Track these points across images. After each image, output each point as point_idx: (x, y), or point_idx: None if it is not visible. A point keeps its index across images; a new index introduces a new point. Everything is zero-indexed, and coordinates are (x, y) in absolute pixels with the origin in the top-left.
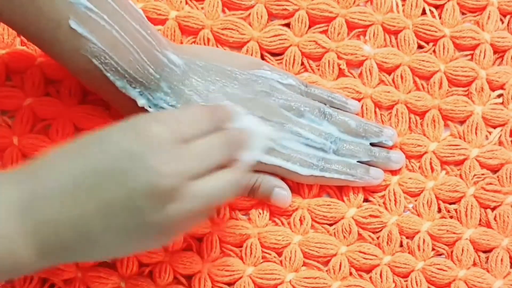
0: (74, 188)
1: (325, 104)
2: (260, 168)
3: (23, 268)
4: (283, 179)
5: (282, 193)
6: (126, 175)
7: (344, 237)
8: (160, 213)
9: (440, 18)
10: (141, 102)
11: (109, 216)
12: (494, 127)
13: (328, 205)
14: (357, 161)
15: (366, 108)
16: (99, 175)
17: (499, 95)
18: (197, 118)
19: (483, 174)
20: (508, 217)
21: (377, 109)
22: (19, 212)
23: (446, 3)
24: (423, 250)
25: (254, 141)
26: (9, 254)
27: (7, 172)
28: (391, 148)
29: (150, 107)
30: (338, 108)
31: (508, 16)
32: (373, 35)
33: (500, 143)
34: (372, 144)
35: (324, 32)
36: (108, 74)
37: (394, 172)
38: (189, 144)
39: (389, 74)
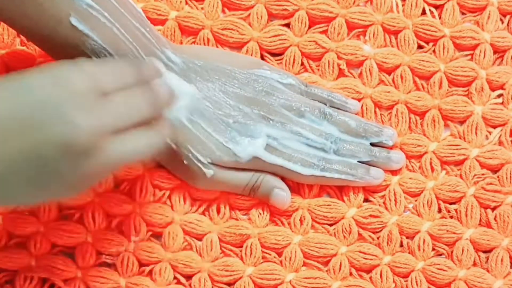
0: None
1: (325, 104)
2: (260, 167)
3: None
4: (283, 179)
5: (281, 194)
6: (40, 125)
7: (344, 237)
8: (72, 167)
9: (440, 18)
10: None
11: (16, 165)
12: (494, 127)
13: (328, 205)
14: (358, 161)
15: (366, 108)
16: (11, 122)
17: (499, 95)
18: (122, 71)
19: (483, 174)
20: (508, 217)
21: (377, 109)
22: None
23: (446, 3)
24: (423, 250)
25: (178, 98)
26: None
27: None
28: (391, 148)
29: None
30: (338, 108)
31: (508, 16)
32: (373, 35)
33: (500, 143)
34: (372, 144)
35: (324, 32)
36: None
37: (394, 172)
38: (111, 98)
39: (389, 74)
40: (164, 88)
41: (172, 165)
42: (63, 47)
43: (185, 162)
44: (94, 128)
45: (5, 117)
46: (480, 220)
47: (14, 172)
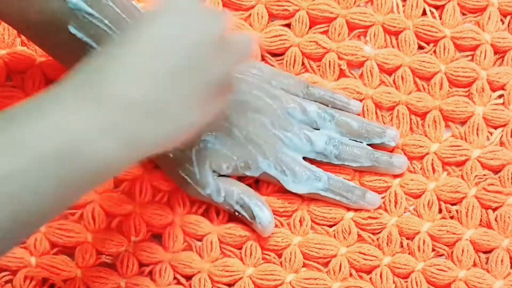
0: (140, 63)
1: (327, 105)
2: (263, 177)
3: (106, 161)
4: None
5: (258, 227)
6: (185, 37)
7: (344, 238)
8: (220, 64)
9: (440, 18)
10: None
11: (174, 82)
12: (495, 128)
13: (327, 206)
14: (359, 166)
15: (367, 109)
16: (159, 45)
17: (500, 96)
18: None
19: (484, 175)
20: (509, 217)
21: (378, 110)
22: (91, 103)
23: (446, 3)
24: (423, 250)
25: None
26: (90, 145)
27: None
28: (393, 150)
29: None
30: (340, 109)
31: (508, 17)
32: (374, 36)
33: (502, 143)
34: (374, 145)
35: (325, 32)
36: None
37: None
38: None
39: (390, 75)
40: None
41: (166, 168)
42: (63, 52)
43: (180, 171)
44: (221, 28)
45: (161, 34)
46: (481, 221)
47: (173, 91)
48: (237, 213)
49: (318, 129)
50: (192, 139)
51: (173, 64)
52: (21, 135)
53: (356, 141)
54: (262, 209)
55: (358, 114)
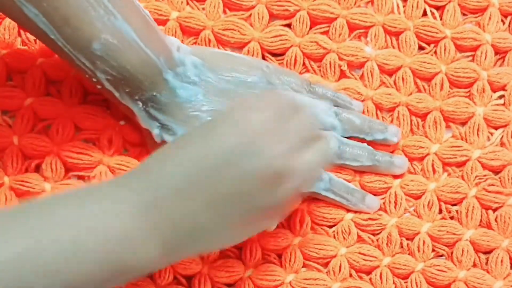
0: (186, 184)
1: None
2: None
3: (146, 267)
4: None
5: None
6: (239, 165)
7: (344, 238)
8: (272, 195)
9: (441, 19)
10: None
11: (221, 207)
12: (496, 128)
13: (327, 207)
14: (360, 165)
15: (368, 110)
16: (207, 170)
17: (501, 96)
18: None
19: (485, 176)
20: (509, 218)
21: (378, 112)
22: (140, 213)
23: (447, 4)
24: (423, 251)
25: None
26: (133, 254)
27: (120, 177)
28: (393, 150)
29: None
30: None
31: (509, 17)
32: (374, 36)
33: (502, 144)
34: (376, 143)
35: (325, 33)
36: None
37: (395, 175)
38: (286, 123)
39: (390, 76)
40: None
41: None
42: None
43: None
44: (282, 153)
45: (206, 165)
46: (481, 221)
47: (211, 215)
48: None
49: None
50: None
51: (227, 188)
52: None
53: (359, 137)
54: None
55: None
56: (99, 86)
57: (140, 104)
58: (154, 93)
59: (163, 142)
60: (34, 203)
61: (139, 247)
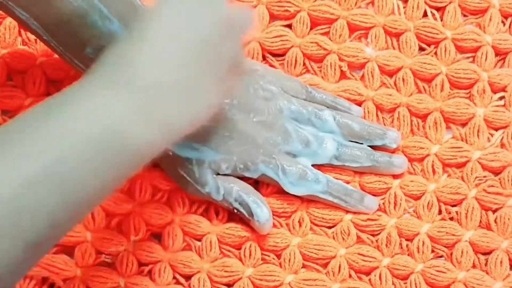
0: (161, 46)
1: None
2: (261, 179)
3: (148, 150)
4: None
5: (256, 225)
6: (201, 15)
7: (343, 239)
8: (232, 45)
9: (441, 20)
10: None
11: (197, 61)
12: (496, 129)
13: (326, 207)
14: (359, 166)
15: (368, 111)
16: (184, 22)
17: (501, 97)
18: None
19: (485, 177)
20: (508, 219)
21: (379, 112)
22: (122, 89)
23: (447, 5)
24: (423, 252)
25: None
26: (134, 136)
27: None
28: (394, 151)
29: None
30: None
31: (509, 18)
32: (375, 37)
33: (502, 145)
34: (375, 147)
35: (326, 33)
36: None
37: (395, 176)
38: None
39: (391, 76)
40: None
41: (166, 167)
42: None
43: (179, 170)
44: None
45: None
46: (480, 222)
47: (198, 68)
48: (236, 211)
49: None
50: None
51: (191, 47)
52: (63, 121)
53: (358, 142)
54: (260, 206)
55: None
56: None
57: None
58: None
59: None
60: (24, 119)
61: (132, 122)
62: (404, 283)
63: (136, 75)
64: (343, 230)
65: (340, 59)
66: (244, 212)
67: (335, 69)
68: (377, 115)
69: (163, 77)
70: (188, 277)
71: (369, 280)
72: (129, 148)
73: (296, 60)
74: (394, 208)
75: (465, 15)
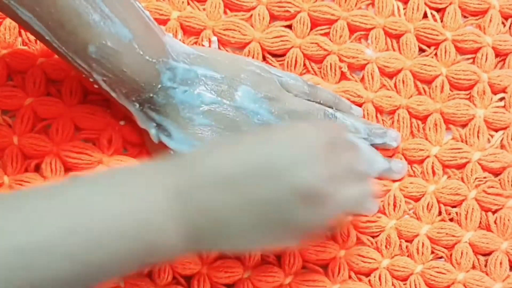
0: (225, 180)
1: (330, 107)
2: None
3: (169, 252)
4: None
5: None
6: (285, 175)
7: (343, 240)
8: (308, 215)
9: (441, 21)
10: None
11: (253, 212)
12: (496, 131)
13: None
14: None
15: (368, 113)
16: (251, 172)
17: (501, 99)
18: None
19: (484, 178)
20: (508, 220)
21: (379, 114)
22: (175, 197)
23: (447, 6)
24: (422, 253)
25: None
26: (160, 234)
27: (159, 162)
28: (394, 153)
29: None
30: None
31: (509, 19)
32: (375, 39)
33: (502, 146)
34: (376, 147)
35: (326, 34)
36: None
37: None
38: (341, 153)
39: (391, 78)
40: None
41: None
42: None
43: None
44: (330, 178)
45: (256, 166)
46: (480, 223)
47: (243, 216)
48: None
49: None
50: None
51: (265, 194)
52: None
53: None
54: None
55: None
56: (96, 86)
57: (137, 105)
58: (151, 95)
59: (160, 142)
60: (70, 185)
61: (167, 230)
62: (403, 284)
63: (195, 186)
64: (343, 232)
65: (340, 60)
66: None
67: (335, 70)
68: (376, 117)
69: (215, 204)
70: (188, 278)
71: (369, 281)
72: (153, 248)
73: (296, 61)
74: (394, 209)
75: (465, 16)
